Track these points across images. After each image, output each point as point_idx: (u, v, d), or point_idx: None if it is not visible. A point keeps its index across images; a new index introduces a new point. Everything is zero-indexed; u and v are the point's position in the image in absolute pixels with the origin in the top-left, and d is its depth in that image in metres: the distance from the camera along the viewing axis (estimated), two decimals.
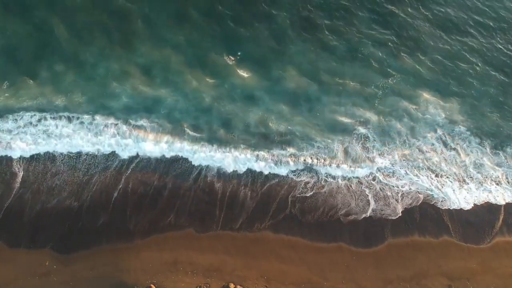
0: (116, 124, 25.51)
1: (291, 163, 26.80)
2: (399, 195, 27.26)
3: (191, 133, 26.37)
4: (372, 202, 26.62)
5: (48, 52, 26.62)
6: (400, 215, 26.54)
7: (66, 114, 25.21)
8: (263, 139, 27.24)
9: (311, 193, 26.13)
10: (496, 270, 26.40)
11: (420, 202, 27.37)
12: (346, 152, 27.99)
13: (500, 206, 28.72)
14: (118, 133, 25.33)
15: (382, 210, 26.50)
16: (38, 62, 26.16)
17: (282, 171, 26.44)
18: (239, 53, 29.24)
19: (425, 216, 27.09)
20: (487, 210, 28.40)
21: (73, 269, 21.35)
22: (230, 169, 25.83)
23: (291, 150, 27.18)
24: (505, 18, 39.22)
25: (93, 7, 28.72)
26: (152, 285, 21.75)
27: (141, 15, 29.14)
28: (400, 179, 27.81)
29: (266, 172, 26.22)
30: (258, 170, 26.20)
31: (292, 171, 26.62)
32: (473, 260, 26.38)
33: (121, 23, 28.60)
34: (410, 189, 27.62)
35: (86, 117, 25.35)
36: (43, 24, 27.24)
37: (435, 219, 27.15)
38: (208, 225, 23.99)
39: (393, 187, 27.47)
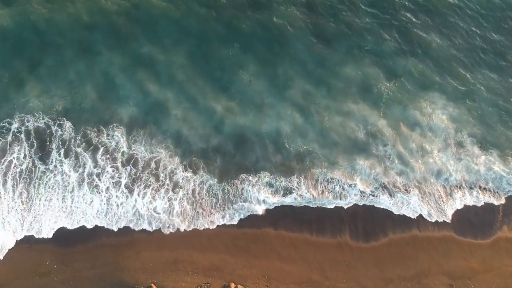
0: None
1: None
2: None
3: None
4: None
5: None
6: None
7: None
8: None
9: None
10: (497, 269, 26.33)
11: None
12: None
13: (499, 203, 28.82)
14: None
15: None
16: None
17: None
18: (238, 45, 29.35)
19: None
20: (487, 208, 28.45)
21: (74, 269, 21.31)
22: None
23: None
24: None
25: None
26: (152, 284, 21.65)
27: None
28: None
29: None
30: None
31: None
32: (474, 259, 26.32)
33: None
34: None
35: None
36: None
37: None
38: None
39: None
